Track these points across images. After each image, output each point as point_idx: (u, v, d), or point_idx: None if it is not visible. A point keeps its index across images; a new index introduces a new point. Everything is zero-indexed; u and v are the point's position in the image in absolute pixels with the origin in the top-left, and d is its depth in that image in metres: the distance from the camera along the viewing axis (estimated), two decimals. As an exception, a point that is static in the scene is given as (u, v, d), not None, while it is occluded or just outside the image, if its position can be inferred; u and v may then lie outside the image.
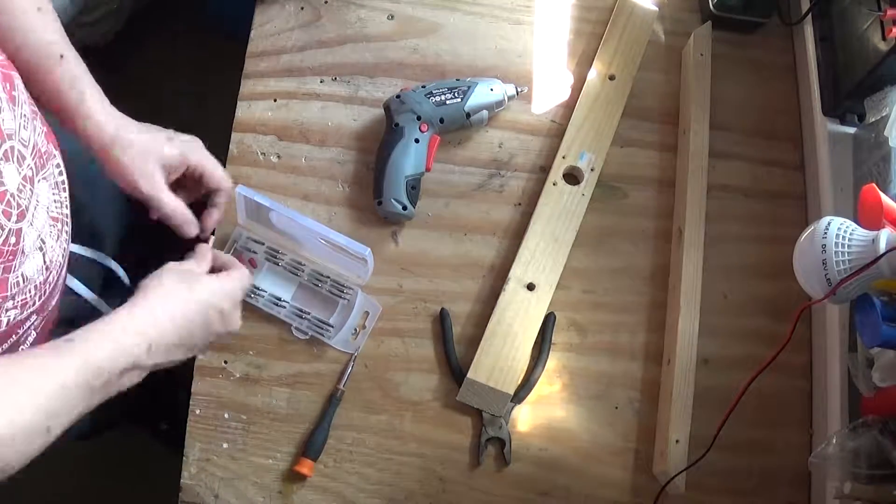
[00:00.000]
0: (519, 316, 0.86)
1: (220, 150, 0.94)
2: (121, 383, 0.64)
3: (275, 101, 0.96)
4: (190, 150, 0.78)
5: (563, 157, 0.93)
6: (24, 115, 0.63)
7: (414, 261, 0.90)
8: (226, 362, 0.85)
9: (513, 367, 0.84)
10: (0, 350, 0.69)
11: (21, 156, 0.62)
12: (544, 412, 0.86)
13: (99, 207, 0.88)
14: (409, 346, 0.87)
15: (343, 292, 0.86)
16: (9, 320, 0.66)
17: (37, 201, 0.66)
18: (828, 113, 0.93)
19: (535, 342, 0.86)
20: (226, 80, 1.02)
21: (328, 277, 0.87)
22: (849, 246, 0.63)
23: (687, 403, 0.84)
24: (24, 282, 0.65)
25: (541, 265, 0.88)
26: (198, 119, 1.03)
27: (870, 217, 0.67)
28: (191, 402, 0.83)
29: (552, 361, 0.88)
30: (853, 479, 0.70)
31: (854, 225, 0.65)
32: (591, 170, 0.93)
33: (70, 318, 0.82)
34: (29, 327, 0.72)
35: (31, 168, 0.64)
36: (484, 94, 0.93)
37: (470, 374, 0.83)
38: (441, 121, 0.91)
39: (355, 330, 0.86)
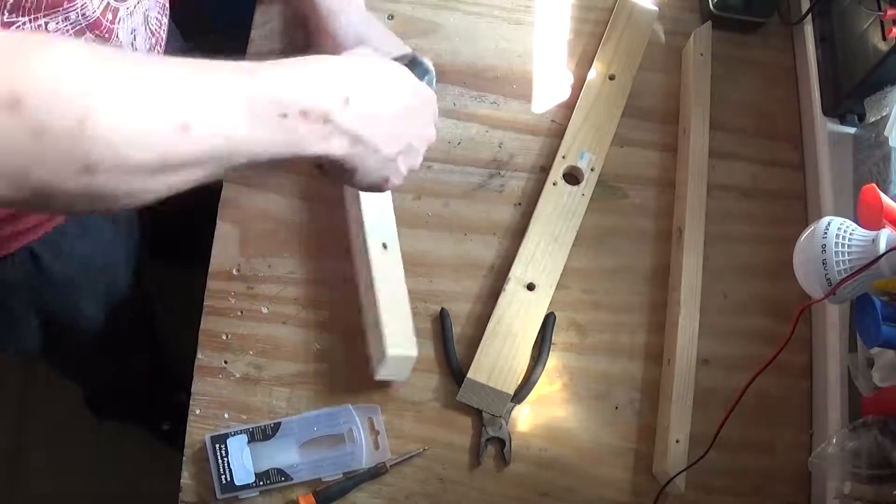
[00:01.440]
0: (519, 316, 0.86)
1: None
2: (296, 132, 0.51)
3: (275, 101, 0.95)
4: None
5: (563, 157, 0.93)
6: None
7: (414, 261, 0.90)
8: (226, 362, 0.85)
9: (513, 367, 0.84)
10: None
11: None
12: (544, 412, 0.86)
13: None
14: (409, 346, 0.87)
15: (338, 421, 0.82)
16: None
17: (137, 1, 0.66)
18: (828, 113, 0.93)
19: (535, 342, 0.86)
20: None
21: (315, 417, 0.83)
22: (849, 246, 0.63)
23: (687, 403, 0.84)
24: None
25: (541, 265, 0.88)
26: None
27: (870, 217, 0.67)
28: (191, 402, 0.83)
29: (552, 361, 0.88)
30: (853, 479, 0.70)
31: (854, 225, 0.65)
32: (591, 170, 0.93)
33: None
34: None
35: None
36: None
37: (470, 374, 0.83)
38: None
39: (374, 441, 0.83)
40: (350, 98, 0.53)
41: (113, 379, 1.33)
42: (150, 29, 0.73)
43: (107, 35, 0.64)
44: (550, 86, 1.00)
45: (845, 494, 0.70)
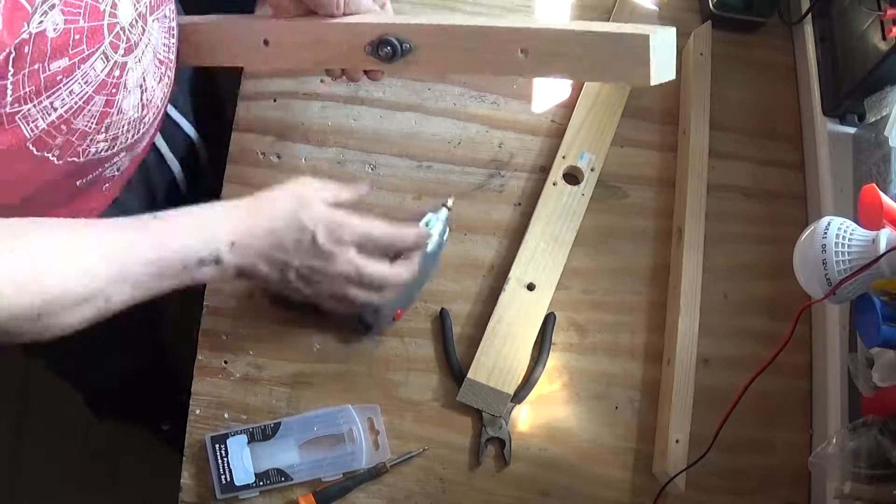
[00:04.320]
0: (519, 316, 0.86)
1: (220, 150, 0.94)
2: (198, 273, 0.64)
3: (275, 101, 0.96)
4: None
5: (563, 157, 0.93)
6: None
7: (414, 261, 0.90)
8: (226, 362, 0.85)
9: (513, 367, 0.84)
10: (81, 182, 0.71)
11: None
12: (544, 412, 0.86)
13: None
14: (409, 346, 0.87)
15: (338, 421, 0.82)
16: (97, 151, 0.68)
17: (148, 40, 0.67)
18: (828, 113, 0.93)
19: (535, 342, 0.86)
20: (226, 81, 1.02)
21: (315, 417, 0.83)
22: (849, 246, 0.63)
23: (687, 403, 0.84)
24: (118, 114, 0.67)
25: (541, 265, 0.88)
26: (198, 119, 1.04)
27: (870, 217, 0.67)
28: (191, 402, 0.83)
29: (552, 361, 0.88)
30: (853, 479, 0.70)
31: (854, 225, 0.65)
32: (591, 170, 0.93)
33: (147, 179, 0.86)
34: (114, 165, 0.74)
35: (146, 6, 0.66)
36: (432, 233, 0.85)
37: (470, 374, 0.83)
38: (413, 299, 0.86)
39: (374, 442, 0.83)
40: (236, 242, 0.65)
41: (112, 378, 1.33)
42: (157, 60, 0.73)
43: (114, 91, 0.65)
44: (550, 86, 1.00)
45: (845, 494, 0.70)
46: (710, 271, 0.91)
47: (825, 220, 0.65)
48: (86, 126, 0.65)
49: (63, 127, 0.63)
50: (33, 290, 0.54)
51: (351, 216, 0.71)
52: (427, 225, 0.85)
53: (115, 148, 0.70)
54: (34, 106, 0.59)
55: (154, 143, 0.87)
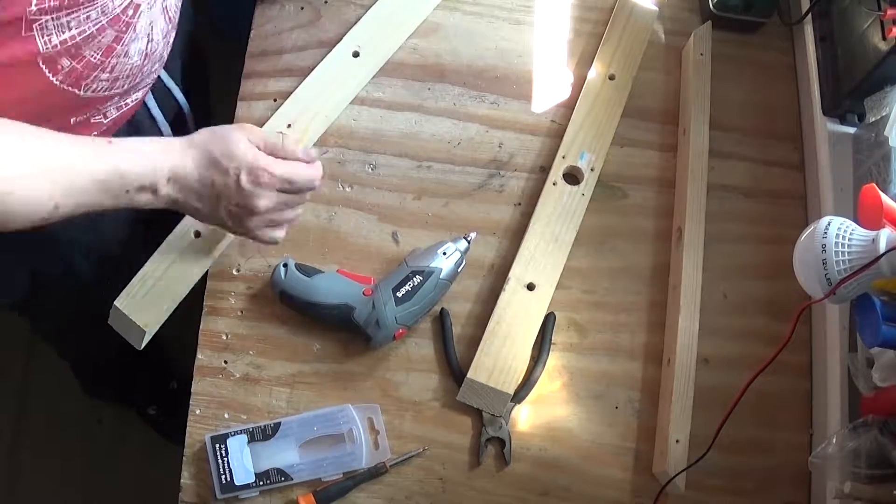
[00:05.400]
0: (519, 316, 0.86)
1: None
2: (137, 198, 0.69)
3: (275, 101, 0.96)
4: None
5: (563, 157, 0.93)
6: None
7: (414, 261, 0.90)
8: (226, 362, 0.85)
9: (513, 366, 0.84)
10: (74, 120, 0.76)
11: None
12: (544, 412, 0.86)
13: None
14: (409, 346, 0.87)
15: (338, 421, 0.82)
16: (96, 90, 0.74)
17: None
18: (828, 113, 0.93)
19: (535, 342, 0.86)
20: (226, 80, 1.03)
21: (315, 417, 0.83)
22: (849, 246, 0.63)
23: (687, 403, 0.84)
24: (124, 56, 0.73)
25: (541, 265, 0.88)
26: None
27: (870, 217, 0.67)
28: (191, 402, 0.83)
29: (552, 361, 0.88)
30: (853, 479, 0.70)
31: (854, 225, 0.65)
32: (591, 170, 0.93)
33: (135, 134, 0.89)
34: (107, 108, 0.79)
35: None
36: (444, 263, 0.85)
37: (470, 374, 0.83)
38: (417, 320, 0.86)
39: (374, 442, 0.83)
40: (171, 177, 0.71)
41: (101, 352, 1.34)
42: (168, 17, 0.78)
43: (125, 28, 0.70)
44: (550, 86, 1.00)
45: (845, 494, 0.70)
46: (710, 271, 0.91)
47: (825, 220, 0.65)
48: (92, 56, 0.70)
49: (73, 50, 0.68)
50: None
51: (273, 161, 0.75)
52: (444, 253, 0.86)
53: (112, 90, 0.75)
54: (53, 19, 0.64)
55: (145, 104, 0.90)
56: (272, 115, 0.93)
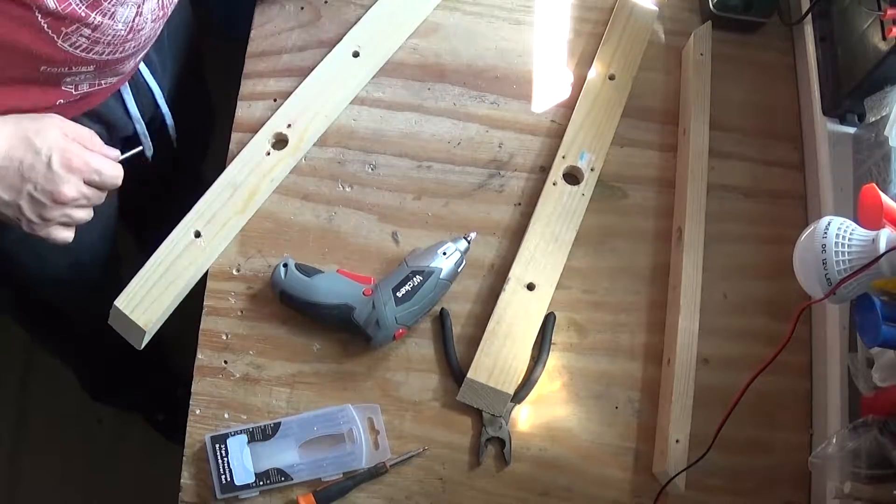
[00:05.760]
0: (519, 316, 0.86)
1: (220, 149, 0.94)
2: None
3: (275, 100, 0.96)
4: None
5: (563, 157, 0.93)
6: None
7: (414, 261, 0.90)
8: (226, 362, 0.85)
9: (513, 366, 0.84)
10: (42, 69, 0.70)
11: None
12: (544, 412, 0.86)
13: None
14: (409, 346, 0.87)
15: (338, 421, 0.82)
16: (73, 44, 0.69)
17: None
18: (828, 113, 0.93)
19: (535, 342, 0.86)
20: (226, 80, 1.03)
21: (315, 417, 0.83)
22: (849, 246, 0.63)
23: (687, 403, 0.84)
24: (110, 19, 0.70)
25: (541, 265, 0.88)
26: (198, 119, 1.04)
27: (870, 217, 0.67)
28: (191, 402, 0.83)
29: (552, 361, 0.88)
30: (853, 479, 0.70)
31: (854, 225, 0.65)
32: (591, 170, 0.93)
33: (107, 121, 0.88)
34: (80, 78, 0.76)
35: None
36: (444, 263, 0.85)
37: (470, 374, 0.83)
38: (417, 320, 0.86)
39: (374, 442, 0.83)
40: None
41: (106, 361, 1.34)
42: (161, 2, 0.76)
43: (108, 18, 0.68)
44: (550, 86, 1.00)
45: (845, 494, 0.70)
46: (710, 271, 0.91)
47: (825, 219, 0.65)
48: (77, 6, 0.66)
49: None
50: None
51: (85, 150, 0.73)
52: (444, 253, 0.85)
53: (89, 54, 0.72)
54: None
55: (121, 95, 0.88)
56: (272, 114, 0.93)
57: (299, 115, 0.92)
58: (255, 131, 0.93)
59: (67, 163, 0.71)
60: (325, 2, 1.01)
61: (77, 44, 0.70)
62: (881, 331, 0.63)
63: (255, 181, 0.90)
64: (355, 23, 0.99)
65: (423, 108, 0.98)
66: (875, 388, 0.75)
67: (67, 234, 0.77)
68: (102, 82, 0.80)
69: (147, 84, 0.93)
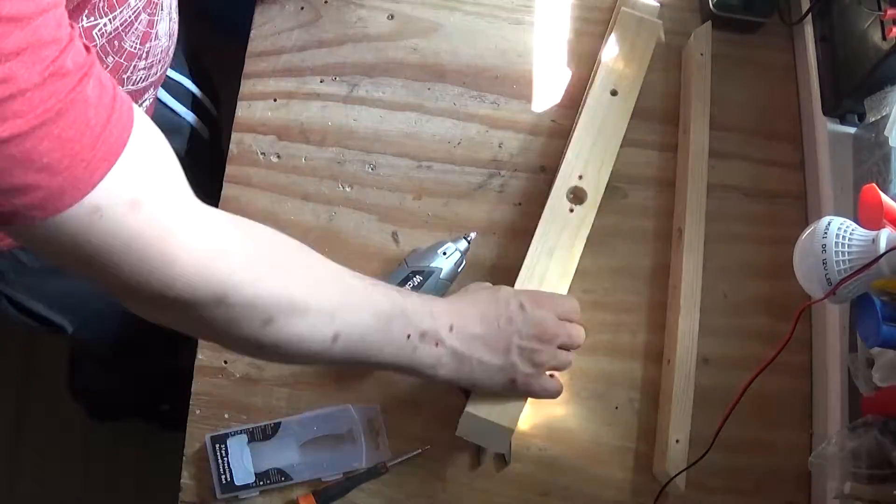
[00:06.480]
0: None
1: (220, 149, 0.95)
2: (420, 348, 0.66)
3: (275, 100, 0.96)
4: None
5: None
6: None
7: (414, 261, 0.90)
8: (226, 362, 0.85)
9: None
10: None
11: None
12: (544, 412, 0.86)
13: None
14: (409, 346, 0.87)
15: (338, 421, 0.82)
16: (135, 82, 0.72)
17: None
18: (828, 113, 0.93)
19: (536, 342, 0.86)
20: (226, 80, 1.03)
21: (315, 417, 0.82)
22: (849, 246, 0.63)
23: (687, 403, 0.84)
24: (155, 39, 0.71)
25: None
26: (198, 119, 1.04)
27: (870, 217, 0.67)
28: (191, 402, 0.83)
29: (552, 361, 0.87)
30: (853, 479, 0.70)
31: (854, 225, 0.65)
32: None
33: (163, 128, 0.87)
34: (144, 103, 0.77)
35: None
36: (445, 263, 0.85)
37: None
38: None
39: (375, 442, 0.82)
40: (454, 325, 0.68)
41: (118, 387, 1.34)
42: (171, 16, 0.77)
43: (153, 9, 0.69)
44: (550, 86, 1.00)
45: (845, 494, 0.70)
46: (710, 271, 0.91)
47: (825, 219, 0.65)
48: (132, 47, 0.67)
49: (115, 43, 0.65)
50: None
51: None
52: (444, 253, 0.85)
53: (148, 80, 0.74)
54: (103, 15, 0.61)
55: (160, 100, 0.89)
56: (271, 114, 0.93)
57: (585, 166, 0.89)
58: (255, 131, 0.93)
59: (534, 301, 0.72)
60: (325, 2, 1.01)
61: (137, 79, 0.72)
62: (881, 331, 0.63)
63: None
64: (356, 22, 0.99)
65: (423, 107, 0.98)
66: (875, 388, 0.75)
67: (558, 384, 0.77)
68: (147, 99, 0.81)
69: (174, 80, 0.95)
